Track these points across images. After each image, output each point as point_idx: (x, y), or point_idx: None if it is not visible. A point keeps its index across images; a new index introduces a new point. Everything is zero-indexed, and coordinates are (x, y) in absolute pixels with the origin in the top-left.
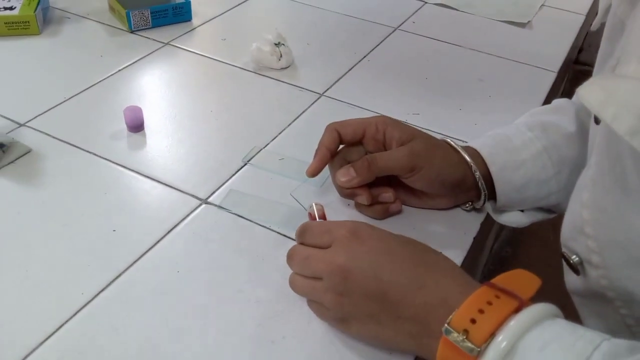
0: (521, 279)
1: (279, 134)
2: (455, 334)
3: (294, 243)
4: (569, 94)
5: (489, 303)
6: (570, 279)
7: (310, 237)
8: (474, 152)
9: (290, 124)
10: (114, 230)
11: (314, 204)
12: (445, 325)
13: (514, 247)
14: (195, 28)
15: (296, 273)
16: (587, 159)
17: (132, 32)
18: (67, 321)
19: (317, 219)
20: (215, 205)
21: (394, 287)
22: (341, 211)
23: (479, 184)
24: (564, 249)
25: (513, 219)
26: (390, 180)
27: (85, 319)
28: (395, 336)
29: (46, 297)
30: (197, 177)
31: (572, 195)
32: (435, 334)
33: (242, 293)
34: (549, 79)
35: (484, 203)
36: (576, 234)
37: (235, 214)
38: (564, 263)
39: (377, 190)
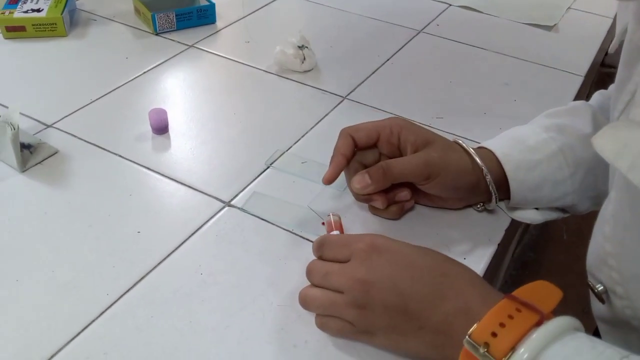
0: (542, 291)
1: (302, 137)
2: (477, 347)
3: None
4: None
5: (510, 317)
6: (597, 307)
7: (329, 251)
8: (487, 153)
9: (312, 127)
10: (139, 232)
11: (331, 215)
12: (467, 337)
13: (537, 252)
14: (219, 30)
15: (314, 286)
16: (609, 190)
17: (157, 34)
18: (92, 322)
19: (334, 230)
20: (238, 208)
21: (415, 299)
22: (358, 214)
23: (490, 187)
24: (589, 278)
25: (527, 215)
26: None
27: (110, 320)
28: (418, 347)
29: (72, 297)
30: (221, 180)
31: (596, 226)
32: (458, 344)
33: (264, 296)
34: (575, 83)
35: (495, 204)
36: (600, 264)
37: (258, 217)
38: (590, 292)
39: (393, 192)
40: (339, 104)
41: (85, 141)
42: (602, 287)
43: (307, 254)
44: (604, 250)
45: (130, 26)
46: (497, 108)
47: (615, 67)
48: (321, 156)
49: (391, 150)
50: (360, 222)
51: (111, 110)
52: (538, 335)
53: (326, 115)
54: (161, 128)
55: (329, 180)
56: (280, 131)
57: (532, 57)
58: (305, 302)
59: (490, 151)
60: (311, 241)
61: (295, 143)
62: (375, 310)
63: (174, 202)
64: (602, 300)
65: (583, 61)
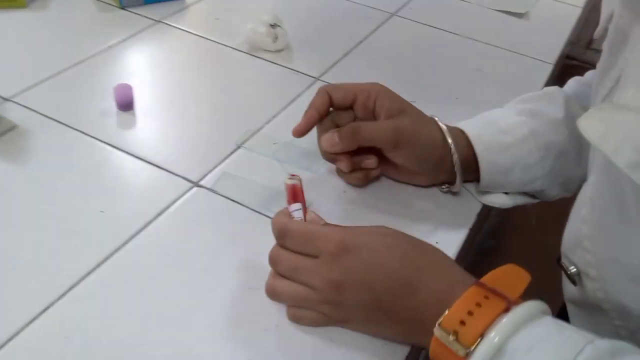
0: (511, 276)
1: (273, 117)
2: (446, 335)
3: None
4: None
5: (478, 304)
6: (568, 289)
7: (293, 243)
8: (459, 133)
9: (284, 108)
10: (102, 212)
11: (291, 179)
12: (437, 326)
13: (498, 239)
14: (188, 6)
15: (280, 276)
16: (587, 176)
17: (122, 8)
18: (52, 304)
19: (295, 200)
20: (207, 189)
21: (388, 294)
22: (326, 179)
23: (455, 166)
24: (563, 260)
25: (497, 199)
26: (372, 148)
27: (72, 303)
28: (394, 333)
29: (30, 279)
30: (189, 159)
31: (573, 209)
32: (430, 331)
33: (234, 279)
34: (546, 71)
35: (459, 186)
36: (575, 246)
37: (228, 198)
38: (563, 273)
39: (360, 158)
40: (311, 85)
41: (45, 116)
42: (575, 270)
43: None
44: (580, 233)
45: None
46: (470, 93)
47: (576, 59)
48: (293, 137)
49: (365, 114)
50: (329, 190)
51: (74, 84)
52: (503, 324)
53: (298, 96)
54: (127, 104)
55: (299, 132)
56: (251, 111)
57: (503, 44)
58: (273, 294)
59: (463, 131)
60: None
61: (266, 123)
62: (349, 307)
63: (139, 181)
64: (574, 283)
65: (553, 49)
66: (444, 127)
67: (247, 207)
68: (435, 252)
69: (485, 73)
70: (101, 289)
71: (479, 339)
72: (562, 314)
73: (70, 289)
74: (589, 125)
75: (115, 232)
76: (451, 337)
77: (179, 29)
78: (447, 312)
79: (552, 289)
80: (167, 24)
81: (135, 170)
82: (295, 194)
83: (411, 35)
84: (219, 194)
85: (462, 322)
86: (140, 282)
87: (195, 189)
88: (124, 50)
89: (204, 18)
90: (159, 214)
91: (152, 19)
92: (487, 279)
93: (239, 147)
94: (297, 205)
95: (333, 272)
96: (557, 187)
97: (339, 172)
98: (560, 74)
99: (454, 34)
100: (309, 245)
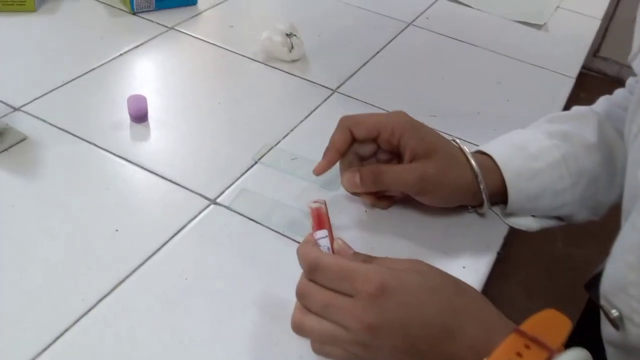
0: (551, 322)
1: (291, 131)
2: None
3: None
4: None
5: (519, 354)
6: (608, 331)
7: (325, 279)
8: (486, 159)
9: (302, 121)
10: (117, 230)
11: (314, 202)
12: None
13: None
14: (201, 13)
15: (308, 311)
16: (623, 201)
17: (134, 13)
18: (66, 331)
19: (321, 227)
20: (225, 207)
21: (424, 341)
22: (347, 197)
23: (483, 194)
24: (602, 302)
25: (523, 222)
26: None
27: (86, 328)
28: None
29: (43, 303)
30: (205, 175)
31: (616, 250)
32: None
33: (255, 305)
34: (567, 85)
35: (487, 209)
36: (618, 291)
37: (247, 217)
38: (602, 314)
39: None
40: (328, 97)
41: (56, 127)
42: (617, 314)
43: None
44: (626, 280)
45: (105, 3)
46: (491, 108)
47: (585, 67)
48: (311, 152)
49: (390, 149)
50: (350, 210)
51: (85, 94)
52: None
53: (316, 108)
54: (141, 116)
55: (319, 172)
56: (268, 124)
57: (522, 56)
58: (301, 330)
59: (490, 157)
60: None
61: (284, 137)
62: (382, 350)
63: (154, 198)
64: (616, 327)
65: (573, 62)
66: (469, 157)
67: (267, 227)
68: (473, 295)
69: (505, 87)
70: (115, 315)
71: None
72: (582, 326)
73: (84, 314)
74: None
75: (130, 253)
76: None
77: (192, 36)
78: None
79: (561, 296)
80: (179, 30)
81: (150, 185)
82: (321, 219)
83: (428, 46)
84: (237, 213)
85: None
86: (156, 308)
87: (212, 206)
88: (136, 57)
89: (217, 25)
90: (175, 234)
91: (165, 26)
92: (527, 325)
93: (256, 162)
94: (323, 233)
95: (369, 314)
96: (585, 211)
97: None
98: (578, 83)
99: (472, 44)
100: (344, 284)
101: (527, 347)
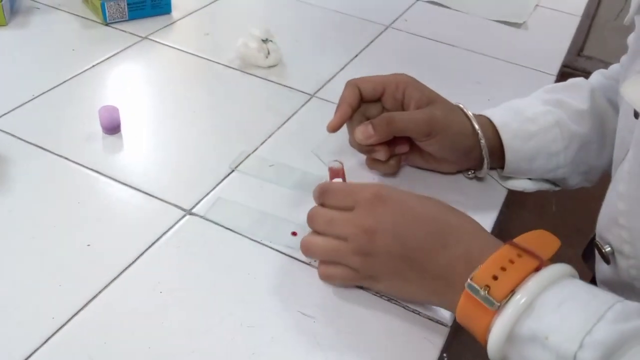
0: (542, 239)
1: (268, 137)
2: (478, 289)
3: (289, 260)
4: None
5: (511, 261)
6: (601, 268)
7: (332, 198)
8: (485, 121)
9: (279, 127)
10: (89, 245)
11: (334, 161)
12: (468, 280)
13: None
14: (175, 22)
15: (317, 233)
16: (614, 151)
17: (107, 24)
18: (35, 350)
19: (337, 177)
20: (201, 217)
21: (418, 247)
22: (360, 173)
23: (483, 151)
24: (597, 239)
25: (520, 184)
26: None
27: (57, 348)
28: (420, 292)
29: (11, 321)
30: (180, 185)
31: (610, 187)
32: (458, 289)
33: (232, 316)
34: (547, 82)
35: (486, 171)
36: (611, 224)
37: (223, 226)
38: (597, 253)
39: (392, 145)
40: (306, 102)
41: (26, 142)
42: (609, 249)
43: (278, 267)
44: (616, 209)
45: (78, 15)
46: (472, 107)
47: (569, 66)
48: (290, 159)
49: (394, 105)
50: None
51: (56, 107)
52: (536, 280)
53: (294, 114)
54: (113, 127)
55: (334, 128)
56: (245, 131)
57: (502, 55)
58: (307, 248)
59: (489, 119)
60: (283, 253)
61: (261, 144)
62: (379, 257)
63: (128, 210)
64: (607, 262)
65: (554, 60)
66: (471, 115)
67: (244, 235)
68: (468, 218)
69: (485, 86)
70: (89, 331)
71: (510, 294)
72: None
73: (56, 332)
74: (633, 92)
75: (103, 268)
76: (482, 291)
77: (166, 45)
78: (479, 267)
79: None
80: (153, 40)
81: (123, 198)
82: (337, 175)
83: (407, 48)
84: (213, 222)
85: (495, 277)
86: (130, 324)
87: (187, 217)
88: (109, 69)
89: (192, 34)
90: (149, 247)
91: (138, 36)
92: (519, 240)
93: (233, 171)
94: (339, 180)
95: (367, 219)
96: (578, 176)
97: (370, 163)
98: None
99: (451, 45)
100: (348, 198)
101: (519, 255)
